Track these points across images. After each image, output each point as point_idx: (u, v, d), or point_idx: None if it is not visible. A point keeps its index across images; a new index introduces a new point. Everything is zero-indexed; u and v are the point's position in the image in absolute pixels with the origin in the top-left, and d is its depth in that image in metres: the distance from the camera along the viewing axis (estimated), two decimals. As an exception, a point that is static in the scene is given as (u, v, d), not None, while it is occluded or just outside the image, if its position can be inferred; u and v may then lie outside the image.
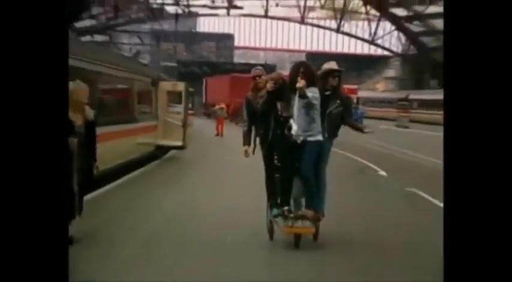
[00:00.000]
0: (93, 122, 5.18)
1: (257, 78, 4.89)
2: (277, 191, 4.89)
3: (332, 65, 5.32)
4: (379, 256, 3.82)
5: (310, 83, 4.62)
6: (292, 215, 4.67)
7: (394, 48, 40.83)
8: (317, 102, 4.67)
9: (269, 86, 4.73)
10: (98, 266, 3.44)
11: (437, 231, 2.70)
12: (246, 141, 5.06)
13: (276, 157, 4.91)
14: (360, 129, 5.52)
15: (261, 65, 9.25)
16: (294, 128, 4.61)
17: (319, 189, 4.91)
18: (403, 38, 39.88)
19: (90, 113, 5.13)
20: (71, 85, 5.12)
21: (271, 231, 4.87)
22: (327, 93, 4.88)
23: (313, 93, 4.67)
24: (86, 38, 25.78)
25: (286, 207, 4.68)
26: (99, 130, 5.90)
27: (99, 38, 30.75)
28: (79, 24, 25.57)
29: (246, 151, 5.03)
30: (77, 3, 21.55)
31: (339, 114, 4.99)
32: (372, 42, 40.42)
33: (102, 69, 8.62)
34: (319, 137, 4.70)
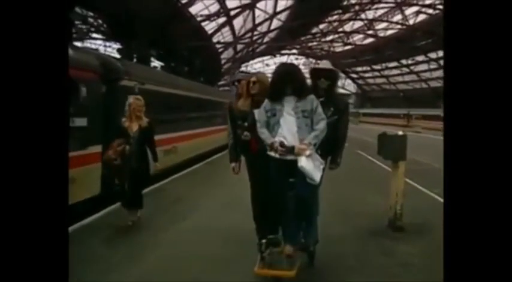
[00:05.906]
0: (147, 128, 4.23)
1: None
2: (263, 213, 2.98)
3: (323, 64, 3.22)
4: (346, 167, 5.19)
5: (299, 91, 2.81)
6: (268, 251, 2.81)
7: (352, 90, 63.54)
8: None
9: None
10: (213, 182, 7.29)
11: (362, 156, 10.49)
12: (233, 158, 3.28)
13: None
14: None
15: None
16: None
17: (313, 212, 2.94)
18: (355, 86, 63.12)
19: (144, 121, 4.20)
20: (130, 98, 4.04)
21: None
22: (321, 99, 2.90)
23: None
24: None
25: (264, 240, 2.86)
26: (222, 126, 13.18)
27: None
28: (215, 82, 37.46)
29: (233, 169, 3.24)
30: (217, 76, 34.75)
31: (333, 124, 2.99)
32: (342, 87, 60.97)
33: (225, 100, 14.33)
34: None
